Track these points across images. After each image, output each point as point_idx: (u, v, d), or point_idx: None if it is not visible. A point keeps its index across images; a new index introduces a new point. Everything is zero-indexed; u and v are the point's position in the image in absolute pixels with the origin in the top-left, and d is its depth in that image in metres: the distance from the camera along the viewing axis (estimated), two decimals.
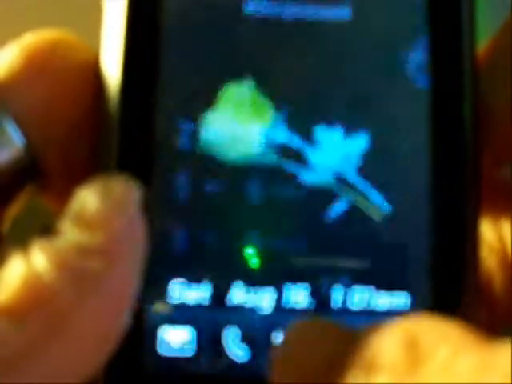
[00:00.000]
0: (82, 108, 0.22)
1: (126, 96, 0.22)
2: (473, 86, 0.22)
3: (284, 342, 0.18)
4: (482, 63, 0.23)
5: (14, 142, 0.22)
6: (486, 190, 0.23)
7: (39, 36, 0.22)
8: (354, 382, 0.16)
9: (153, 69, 0.22)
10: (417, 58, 0.23)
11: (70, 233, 0.18)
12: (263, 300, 0.22)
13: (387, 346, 0.16)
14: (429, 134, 0.22)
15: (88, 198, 0.19)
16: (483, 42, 0.23)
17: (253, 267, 0.22)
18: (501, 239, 0.25)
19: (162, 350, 0.21)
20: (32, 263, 0.18)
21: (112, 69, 0.22)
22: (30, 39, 0.22)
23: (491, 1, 0.28)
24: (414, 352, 0.16)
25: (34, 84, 0.22)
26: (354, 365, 0.16)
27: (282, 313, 0.22)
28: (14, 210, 0.23)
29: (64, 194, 0.20)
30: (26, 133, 0.22)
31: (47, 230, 0.19)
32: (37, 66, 0.22)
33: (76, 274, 0.18)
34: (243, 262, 0.22)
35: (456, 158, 0.22)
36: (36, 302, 0.17)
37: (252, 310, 0.22)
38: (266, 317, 0.22)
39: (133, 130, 0.22)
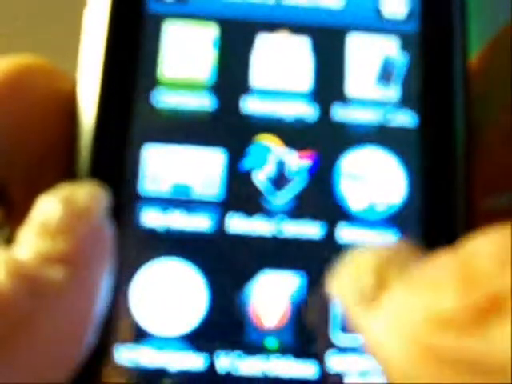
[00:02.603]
0: (50, 137, 0.21)
1: (102, 104, 0.21)
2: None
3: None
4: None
5: None
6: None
7: (10, 62, 0.21)
8: None
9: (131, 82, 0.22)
10: None
11: (29, 241, 0.17)
12: None
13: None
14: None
15: (49, 205, 0.17)
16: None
17: None
18: None
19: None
20: None
21: (88, 84, 0.21)
22: (1, 65, 0.21)
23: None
24: None
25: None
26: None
27: None
28: None
29: None
30: None
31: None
32: (4, 93, 0.21)
33: (35, 284, 0.16)
34: None
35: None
36: None
37: None
38: None
39: (107, 140, 0.21)
